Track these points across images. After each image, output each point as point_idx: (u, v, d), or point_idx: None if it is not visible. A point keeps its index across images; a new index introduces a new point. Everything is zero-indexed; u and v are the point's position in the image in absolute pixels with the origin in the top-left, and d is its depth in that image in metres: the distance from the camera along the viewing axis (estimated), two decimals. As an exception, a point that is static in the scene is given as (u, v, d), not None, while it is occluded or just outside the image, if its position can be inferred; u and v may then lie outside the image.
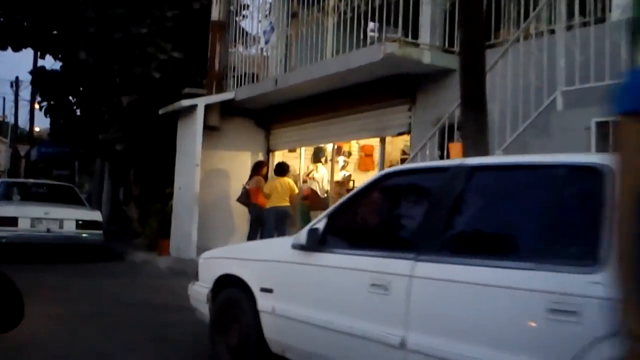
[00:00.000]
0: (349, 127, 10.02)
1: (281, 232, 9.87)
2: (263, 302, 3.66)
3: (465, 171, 2.92)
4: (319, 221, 3.48)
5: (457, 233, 2.90)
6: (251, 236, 10.84)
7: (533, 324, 2.40)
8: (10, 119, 52.05)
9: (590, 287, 2.26)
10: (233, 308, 3.97)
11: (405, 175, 3.27)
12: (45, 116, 14.61)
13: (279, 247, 3.91)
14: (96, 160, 19.79)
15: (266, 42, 10.99)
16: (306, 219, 11.51)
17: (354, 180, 11.59)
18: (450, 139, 7.10)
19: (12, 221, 10.55)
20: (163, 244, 11.33)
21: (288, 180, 10.12)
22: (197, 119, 10.59)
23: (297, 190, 10.28)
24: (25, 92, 36.55)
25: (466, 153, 5.15)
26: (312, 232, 3.37)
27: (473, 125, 5.25)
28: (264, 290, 3.69)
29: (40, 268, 9.97)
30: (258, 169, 11.00)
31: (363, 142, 11.75)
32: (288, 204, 9.99)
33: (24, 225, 10.62)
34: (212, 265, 4.38)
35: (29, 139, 27.19)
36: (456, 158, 7.15)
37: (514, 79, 6.20)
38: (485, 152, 5.17)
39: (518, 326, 2.45)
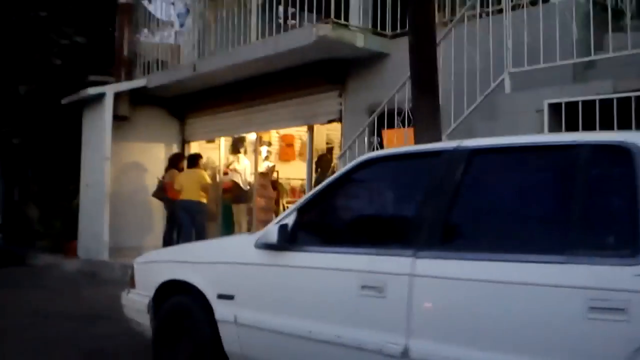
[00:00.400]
0: (273, 115, 9.53)
1: (199, 227, 9.26)
2: (222, 311, 3.16)
3: (465, 155, 2.57)
4: (286, 216, 3.03)
5: (463, 225, 2.54)
6: (168, 233, 10.15)
7: (570, 326, 2.08)
8: None
9: (637, 280, 1.97)
10: (182, 318, 3.43)
11: (390, 160, 2.87)
12: None
13: (237, 246, 3.41)
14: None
15: (181, 26, 10.27)
16: (228, 214, 10.94)
17: (277, 171, 11.14)
18: (389, 125, 6.83)
19: None
20: (70, 246, 10.36)
21: (199, 171, 9.45)
22: (106, 108, 9.71)
23: (208, 182, 9.58)
24: None
25: (418, 138, 4.86)
26: (283, 228, 2.91)
27: (425, 110, 4.96)
28: (222, 297, 3.18)
29: None
30: (174, 161, 10.29)
31: (283, 131, 11.33)
32: (199, 197, 9.28)
33: None
34: (152, 270, 3.80)
35: None
36: (392, 145, 6.93)
37: (458, 61, 5.99)
38: (438, 137, 4.91)
39: (551, 329, 2.12)
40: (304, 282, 2.83)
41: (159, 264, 3.78)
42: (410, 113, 5.81)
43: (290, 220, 2.96)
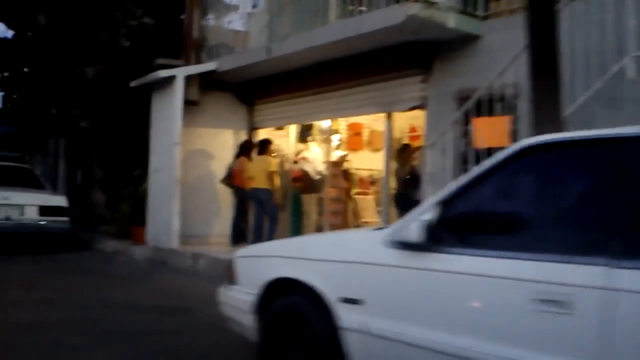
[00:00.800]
0: (348, 102, 9.09)
1: (271, 215, 8.98)
2: (348, 317, 2.76)
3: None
4: (425, 211, 2.60)
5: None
6: (237, 222, 9.90)
7: None
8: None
9: None
10: (296, 322, 3.05)
11: (562, 147, 2.41)
12: (1, 89, 13.08)
13: (361, 243, 3.00)
14: (49, 140, 18.29)
15: (254, 7, 9.93)
16: (297, 203, 10.62)
17: (350, 161, 10.74)
18: (479, 114, 6.31)
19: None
20: (138, 232, 10.21)
21: (267, 158, 9.14)
22: (177, 92, 9.46)
23: (275, 169, 9.23)
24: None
25: (538, 127, 4.35)
26: (428, 225, 2.49)
27: (545, 94, 4.44)
28: (347, 301, 2.78)
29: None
30: (245, 148, 10.01)
31: (352, 120, 10.89)
32: (267, 185, 8.95)
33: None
34: (258, 265, 3.44)
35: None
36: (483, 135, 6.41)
37: (572, 41, 5.42)
38: (559, 126, 4.38)
39: None
40: (459, 291, 2.40)
41: (266, 259, 3.41)
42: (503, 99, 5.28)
43: (431, 216, 2.53)
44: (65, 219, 10.02)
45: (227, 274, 3.71)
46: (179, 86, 9.42)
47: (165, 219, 9.58)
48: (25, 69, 11.53)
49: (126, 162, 12.00)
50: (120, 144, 12.05)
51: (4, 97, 14.03)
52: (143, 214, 10.37)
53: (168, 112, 9.68)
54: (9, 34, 12.01)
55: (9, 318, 5.12)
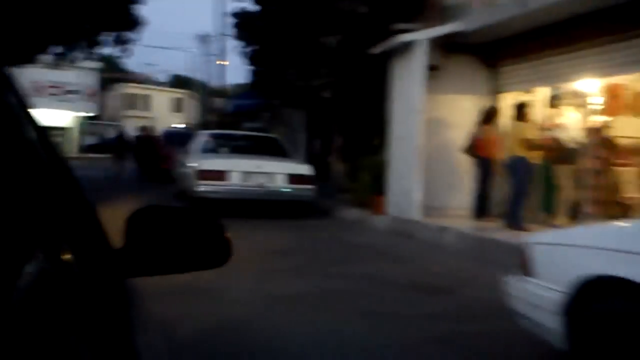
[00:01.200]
0: (607, 60, 7.89)
1: (519, 188, 8.23)
2: None
3: None
4: None
5: None
6: (480, 194, 9.30)
7: None
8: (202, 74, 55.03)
9: None
10: (631, 337, 2.45)
11: None
12: (251, 63, 14.01)
13: None
14: (289, 111, 19.29)
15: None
16: (548, 176, 9.66)
17: (612, 127, 9.41)
18: None
19: (224, 175, 10.00)
20: (378, 202, 10.16)
21: (521, 124, 8.35)
22: (418, 57, 9.07)
23: (530, 137, 8.38)
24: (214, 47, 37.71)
25: None
26: None
27: None
28: None
29: (252, 226, 9.33)
30: (489, 116, 9.31)
31: (606, 81, 9.46)
32: (521, 153, 8.19)
33: (235, 179, 10.03)
34: (566, 256, 2.88)
35: (218, 93, 27.85)
36: None
37: None
38: None
39: None
40: None
41: (577, 250, 2.83)
42: None
43: None
44: (310, 187, 10.34)
45: (519, 262, 3.21)
46: (420, 51, 9.01)
47: (406, 189, 9.36)
48: (270, 43, 12.08)
49: (365, 131, 12.03)
50: (359, 113, 12.11)
51: (253, 71, 14.98)
52: (383, 184, 10.29)
53: (408, 78, 9.35)
54: (255, 8, 12.72)
55: (272, 289, 5.24)
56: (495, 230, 8.10)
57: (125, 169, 19.41)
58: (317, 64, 11.07)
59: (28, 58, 13.87)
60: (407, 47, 9.27)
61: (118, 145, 19.74)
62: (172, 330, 3.74)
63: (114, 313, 1.02)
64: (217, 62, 31.44)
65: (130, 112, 53.83)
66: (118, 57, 60.47)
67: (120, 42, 14.15)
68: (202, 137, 11.43)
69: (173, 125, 26.71)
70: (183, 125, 41.44)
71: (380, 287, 5.46)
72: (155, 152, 18.69)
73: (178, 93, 59.55)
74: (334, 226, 9.85)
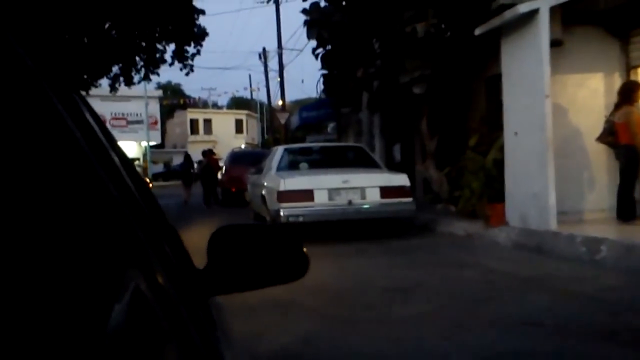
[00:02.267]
0: None
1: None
2: None
3: None
4: None
5: None
6: (625, 190, 7.49)
7: None
8: (260, 93, 54.37)
9: None
10: None
11: None
12: (323, 65, 12.60)
13: None
14: (358, 118, 17.80)
15: None
16: None
17: None
18: None
19: (308, 195, 8.55)
20: (494, 210, 8.44)
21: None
22: (541, 30, 7.33)
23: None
24: (273, 63, 36.89)
25: None
26: None
27: None
28: None
29: (345, 251, 7.83)
30: (629, 94, 7.51)
31: None
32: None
33: (320, 198, 8.56)
34: None
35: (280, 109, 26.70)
36: None
37: None
38: None
39: None
40: None
41: None
42: None
43: None
44: (409, 200, 8.76)
45: None
46: (543, 22, 7.29)
47: (533, 193, 7.61)
48: (349, 37, 10.50)
49: (463, 129, 10.37)
50: (457, 108, 10.46)
51: (325, 76, 13.53)
52: (498, 188, 8.58)
53: (528, 58, 7.63)
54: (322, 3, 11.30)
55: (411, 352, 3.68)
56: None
57: (191, 195, 18.54)
58: (406, 56, 9.45)
59: (88, 83, 13.00)
60: (524, 20, 7.57)
61: (185, 172, 18.99)
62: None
63: (202, 331, 0.98)
64: (278, 79, 30.41)
65: (193, 138, 53.78)
66: (178, 84, 60.66)
67: (183, 57, 13.03)
68: (278, 154, 10.03)
69: (239, 147, 25.59)
70: (245, 146, 40.62)
71: (570, 341, 3.81)
72: (215, 176, 17.90)
73: (238, 114, 59.27)
74: (445, 245, 8.19)
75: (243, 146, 34.14)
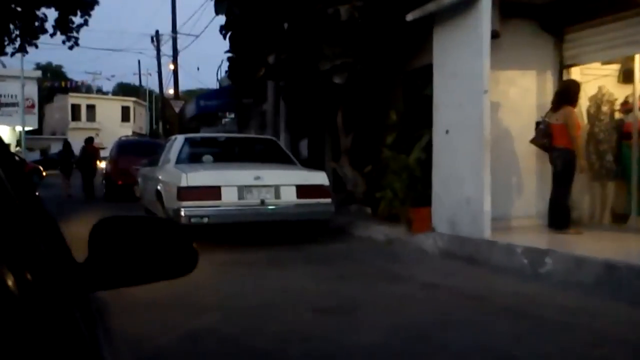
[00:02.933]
0: None
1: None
2: None
3: None
4: None
5: None
6: (558, 196, 7.06)
7: None
8: (149, 80, 51.36)
9: None
10: None
11: None
12: (231, 47, 11.33)
13: None
14: (265, 109, 16.76)
15: None
16: (628, 165, 7.55)
17: None
18: None
19: (215, 193, 7.41)
20: (418, 215, 7.75)
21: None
22: (481, 18, 6.68)
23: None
24: (166, 47, 34.88)
25: None
26: None
27: None
28: None
29: (258, 259, 6.83)
30: (570, 94, 7.08)
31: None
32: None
33: (229, 197, 7.45)
34: None
35: (175, 98, 25.02)
36: None
37: None
38: None
39: None
40: None
41: None
42: None
43: None
44: (327, 200, 7.87)
45: None
46: (485, 9, 6.63)
47: (466, 197, 6.98)
48: (261, 17, 9.35)
49: (380, 125, 9.65)
50: (376, 102, 9.70)
51: (231, 59, 12.30)
52: (422, 191, 7.91)
53: (466, 49, 6.97)
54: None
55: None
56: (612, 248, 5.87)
57: (70, 187, 16.70)
58: (326, 41, 8.53)
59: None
60: (463, 7, 6.89)
61: (63, 161, 17.00)
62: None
63: (79, 328, 0.91)
64: (170, 67, 28.67)
65: (75, 124, 50.01)
66: (59, 66, 56.29)
67: (66, 27, 11.25)
68: (178, 144, 8.77)
69: (126, 135, 23.59)
70: (132, 135, 38.12)
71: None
72: (93, 166, 16.51)
73: (125, 101, 55.94)
74: (367, 252, 7.38)
75: (130, 135, 31.78)
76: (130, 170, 15.00)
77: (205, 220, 7.31)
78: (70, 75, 57.78)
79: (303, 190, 7.72)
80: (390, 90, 10.38)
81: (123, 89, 63.86)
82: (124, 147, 16.59)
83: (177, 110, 20.95)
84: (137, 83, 55.60)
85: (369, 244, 7.99)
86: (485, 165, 6.74)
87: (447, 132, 7.35)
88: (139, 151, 15.45)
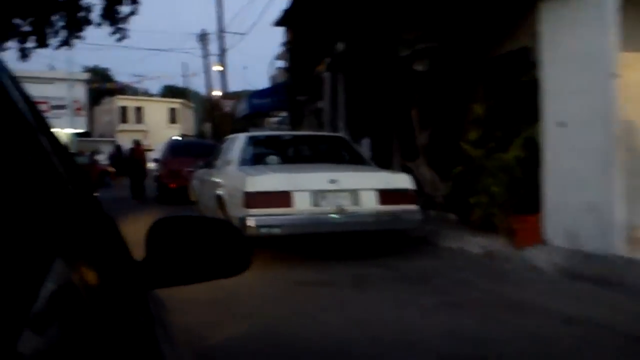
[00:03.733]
0: None
1: None
2: None
3: None
4: None
5: None
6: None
7: None
8: (195, 81, 50.99)
9: None
10: None
11: None
12: (289, 36, 10.29)
13: None
14: (320, 107, 15.75)
15: None
16: None
17: None
18: None
19: (285, 199, 6.40)
20: (525, 224, 6.56)
21: None
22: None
23: None
24: (213, 47, 34.20)
25: None
26: None
27: None
28: None
29: (341, 278, 5.77)
30: None
31: None
32: None
33: (302, 204, 6.43)
34: None
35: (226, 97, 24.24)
36: None
37: None
38: None
39: None
40: None
41: None
42: None
43: None
44: (413, 207, 6.76)
45: None
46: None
47: (588, 203, 5.76)
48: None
49: (460, 119, 8.48)
50: (455, 93, 8.54)
51: (290, 44, 11.23)
52: (526, 195, 6.71)
53: (585, 24, 5.76)
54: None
55: None
56: None
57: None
58: (406, 25, 7.41)
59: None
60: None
61: (115, 164, 16.74)
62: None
63: (139, 325, 0.94)
64: (215, 67, 28.10)
65: (123, 127, 50.12)
66: (106, 69, 56.76)
67: (114, 18, 10.47)
68: (240, 143, 7.79)
69: (176, 136, 22.93)
70: (182, 136, 37.66)
71: None
72: (142, 169, 16.26)
73: (173, 103, 55.85)
74: (468, 270, 6.22)
75: (183, 136, 31.13)
76: (182, 172, 14.28)
77: (277, 231, 6.31)
78: (117, 78, 58.14)
79: (385, 196, 6.63)
80: (471, 80, 9.19)
81: (169, 91, 63.99)
82: (175, 149, 15.78)
83: (227, 110, 20.10)
84: (182, 85, 55.41)
85: (465, 258, 6.84)
86: (615, 164, 5.51)
87: (561, 124, 6.14)
88: (191, 152, 14.66)
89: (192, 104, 55.09)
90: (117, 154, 16.95)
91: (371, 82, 9.03)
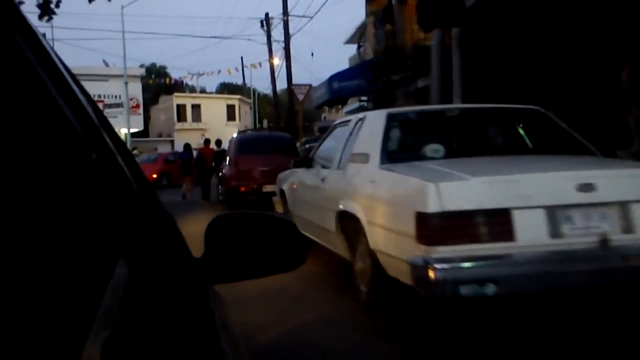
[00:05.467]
0: None
1: None
2: None
3: None
4: None
5: None
6: None
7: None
8: (252, 76, 48.56)
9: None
10: None
11: None
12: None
13: None
14: (423, 85, 12.62)
15: None
16: None
17: None
18: None
19: (501, 224, 3.27)
20: None
21: None
22: None
23: None
24: (276, 32, 31.41)
25: None
26: None
27: None
28: None
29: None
30: None
31: None
32: None
33: (531, 232, 3.30)
34: None
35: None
36: None
37: None
38: None
39: None
40: None
41: None
42: None
43: None
44: None
45: None
46: None
47: None
48: None
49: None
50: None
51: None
52: None
53: None
54: None
55: None
56: None
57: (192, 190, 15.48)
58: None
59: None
60: None
61: (187, 164, 14.93)
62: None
63: (198, 321, 0.95)
64: (275, 60, 25.40)
65: (180, 125, 48.14)
66: (163, 67, 55.05)
67: None
68: (375, 128, 4.64)
69: (241, 131, 20.13)
70: (248, 130, 35.19)
71: None
72: (208, 169, 15.03)
73: (230, 99, 53.57)
74: None
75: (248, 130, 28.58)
76: (254, 172, 11.54)
77: (492, 289, 3.20)
78: (174, 75, 56.40)
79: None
80: None
81: (227, 88, 61.94)
82: (245, 145, 12.64)
83: (300, 98, 17.14)
84: (239, 82, 53.05)
85: None
86: None
87: None
88: (265, 148, 11.77)
89: (249, 100, 52.79)
90: (187, 156, 15.04)
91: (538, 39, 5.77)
